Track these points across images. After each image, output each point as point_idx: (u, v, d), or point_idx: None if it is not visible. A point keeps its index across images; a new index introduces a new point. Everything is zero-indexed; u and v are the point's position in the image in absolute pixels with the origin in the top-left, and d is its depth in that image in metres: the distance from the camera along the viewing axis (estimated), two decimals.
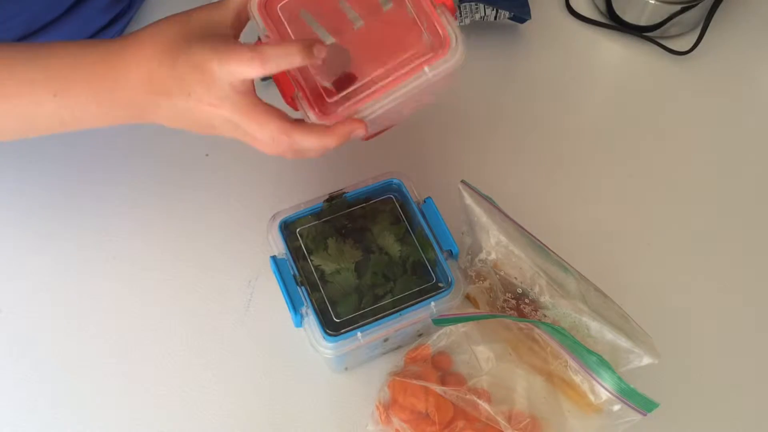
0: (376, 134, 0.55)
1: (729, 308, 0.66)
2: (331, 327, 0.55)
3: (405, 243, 0.58)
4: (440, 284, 0.57)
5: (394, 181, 0.61)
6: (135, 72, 0.51)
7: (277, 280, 0.56)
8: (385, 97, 0.49)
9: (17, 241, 0.68)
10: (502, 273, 0.59)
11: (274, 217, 0.59)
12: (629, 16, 0.79)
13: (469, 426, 0.55)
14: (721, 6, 0.78)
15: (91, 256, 0.66)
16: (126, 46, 0.52)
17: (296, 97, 0.51)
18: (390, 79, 0.49)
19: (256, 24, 0.50)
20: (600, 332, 0.56)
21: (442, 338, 0.59)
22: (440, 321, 0.57)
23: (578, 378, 0.55)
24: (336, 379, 0.62)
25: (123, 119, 0.53)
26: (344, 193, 0.60)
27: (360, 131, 0.50)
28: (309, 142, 0.50)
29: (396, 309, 0.56)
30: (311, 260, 0.58)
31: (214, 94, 0.50)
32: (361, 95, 0.49)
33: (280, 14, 0.51)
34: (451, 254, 0.58)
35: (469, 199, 0.59)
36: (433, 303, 0.56)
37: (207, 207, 0.70)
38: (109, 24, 0.73)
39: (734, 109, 0.77)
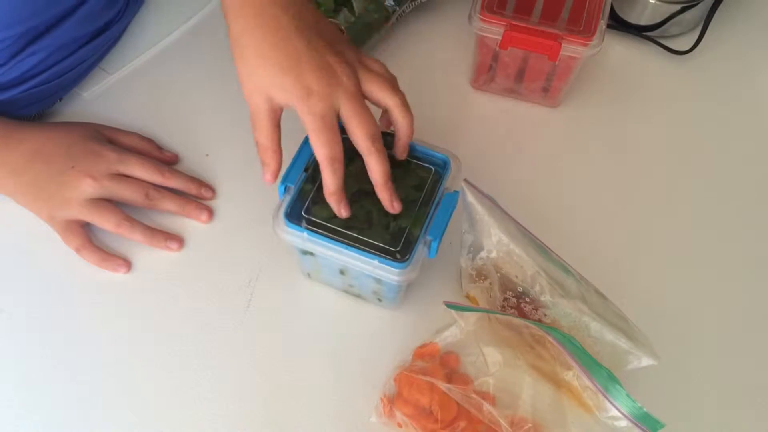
0: None
1: (729, 308, 0.66)
2: (294, 215, 0.57)
3: (407, 208, 0.58)
4: (398, 257, 0.57)
5: (446, 159, 0.61)
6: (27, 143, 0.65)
7: (291, 162, 0.58)
8: None
9: (17, 240, 0.68)
10: (502, 271, 0.59)
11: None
12: (629, 16, 0.79)
13: (470, 427, 0.55)
14: (721, 6, 0.78)
15: None
16: (21, 124, 0.67)
17: None
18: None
19: None
20: (600, 333, 0.56)
21: (450, 336, 0.59)
22: (452, 306, 0.57)
23: (585, 389, 0.55)
24: (335, 376, 0.62)
25: None
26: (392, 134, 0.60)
27: None
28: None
29: (352, 243, 0.56)
30: None
31: (96, 171, 0.64)
32: None
33: None
34: (428, 246, 0.58)
35: (471, 198, 0.59)
36: (377, 261, 0.55)
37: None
38: (102, 31, 0.73)
39: (734, 109, 0.77)
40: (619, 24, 0.80)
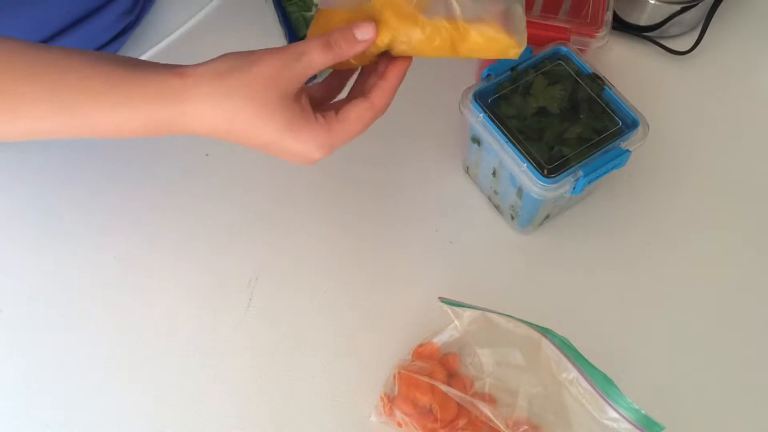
0: None
1: (729, 308, 0.66)
2: (481, 100, 0.62)
3: (579, 142, 0.61)
4: (546, 173, 0.59)
5: (637, 120, 0.62)
6: (197, 129, 0.54)
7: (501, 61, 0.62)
8: None
9: (17, 240, 0.68)
10: None
11: (465, 91, 0.63)
12: (629, 16, 0.79)
13: (470, 426, 0.55)
14: (721, 6, 0.78)
15: (91, 255, 0.66)
16: (186, 99, 0.52)
17: None
18: None
19: None
20: None
21: (449, 336, 0.59)
22: (446, 302, 0.58)
23: (584, 391, 0.54)
24: (335, 375, 0.62)
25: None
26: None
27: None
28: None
29: (513, 141, 0.60)
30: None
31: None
32: None
33: None
34: (576, 180, 0.60)
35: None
36: (526, 166, 0.59)
37: (207, 206, 0.70)
38: (116, 37, 0.73)
39: (734, 109, 0.77)
40: (619, 24, 0.80)
